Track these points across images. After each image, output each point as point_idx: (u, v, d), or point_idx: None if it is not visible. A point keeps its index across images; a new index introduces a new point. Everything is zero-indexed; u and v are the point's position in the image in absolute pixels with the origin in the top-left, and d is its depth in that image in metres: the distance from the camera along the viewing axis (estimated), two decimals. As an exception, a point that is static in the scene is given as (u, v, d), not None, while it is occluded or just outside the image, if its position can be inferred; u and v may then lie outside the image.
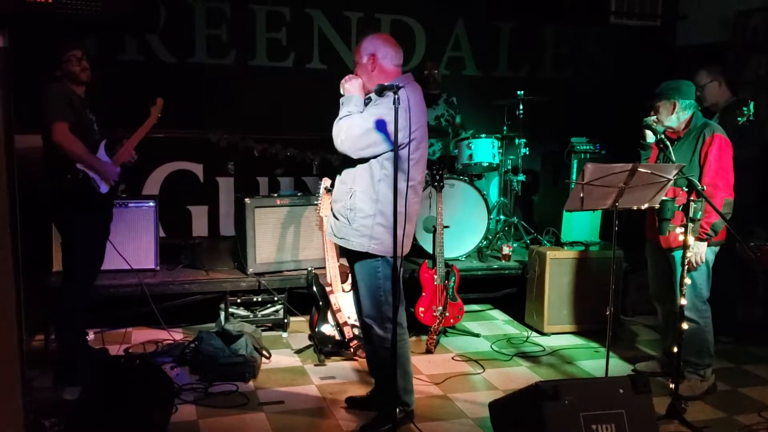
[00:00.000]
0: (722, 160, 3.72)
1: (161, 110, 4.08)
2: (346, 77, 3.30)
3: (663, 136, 3.75)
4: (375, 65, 3.23)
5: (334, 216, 3.33)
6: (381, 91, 2.94)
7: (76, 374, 3.60)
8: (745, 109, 4.13)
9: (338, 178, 3.33)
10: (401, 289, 3.32)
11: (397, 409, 3.32)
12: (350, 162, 3.23)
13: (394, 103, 2.84)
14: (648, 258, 4.16)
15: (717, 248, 3.84)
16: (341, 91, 3.29)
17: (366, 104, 3.26)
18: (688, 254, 3.55)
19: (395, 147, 2.96)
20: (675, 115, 3.81)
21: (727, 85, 4.76)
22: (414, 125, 3.15)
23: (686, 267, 3.51)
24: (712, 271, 3.88)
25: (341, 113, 3.21)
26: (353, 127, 3.12)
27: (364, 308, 3.39)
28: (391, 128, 3.05)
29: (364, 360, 4.27)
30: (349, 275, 4.54)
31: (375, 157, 3.16)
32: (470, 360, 4.45)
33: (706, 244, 3.72)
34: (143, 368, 3.16)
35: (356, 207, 3.20)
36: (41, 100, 3.67)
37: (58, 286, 4.06)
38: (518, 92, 5.67)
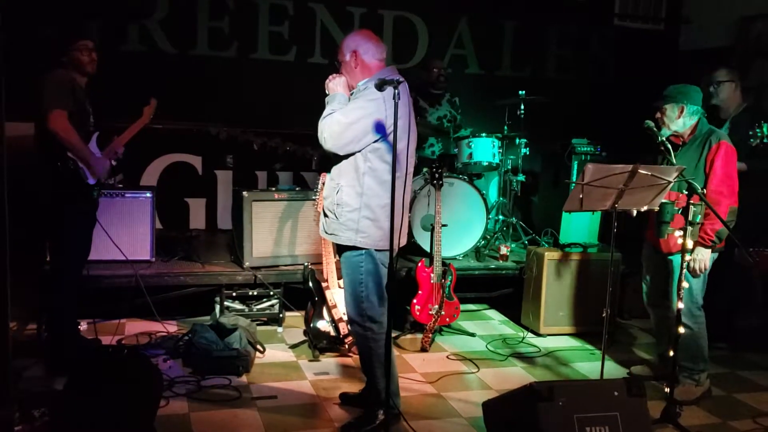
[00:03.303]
0: (728, 168, 3.69)
1: (154, 112, 4.10)
2: (330, 76, 3.32)
3: (664, 139, 3.73)
4: (357, 61, 3.25)
5: (324, 213, 3.34)
6: (381, 86, 2.92)
7: (67, 364, 3.57)
8: (758, 130, 4.06)
9: (328, 176, 3.35)
10: (384, 287, 3.31)
11: (380, 411, 3.32)
12: (338, 158, 3.24)
13: (393, 98, 2.84)
14: (644, 261, 4.14)
15: (716, 255, 3.81)
16: (326, 91, 3.30)
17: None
18: (687, 259, 3.53)
19: (394, 140, 2.94)
20: (681, 120, 3.77)
21: (741, 90, 4.69)
22: (393, 114, 3.06)
23: (685, 271, 3.48)
24: (708, 277, 3.86)
25: (325, 112, 3.22)
26: (333, 123, 3.13)
27: (345, 304, 3.40)
28: (369, 121, 3.09)
29: (359, 357, 4.27)
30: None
31: (360, 151, 3.17)
32: (465, 359, 4.43)
33: (710, 251, 3.70)
34: (130, 358, 3.13)
35: (343, 202, 3.21)
36: (41, 85, 3.63)
37: (48, 275, 4.04)
38: (520, 92, 5.66)
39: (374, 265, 3.26)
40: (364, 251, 3.24)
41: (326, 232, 3.33)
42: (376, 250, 3.25)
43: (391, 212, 2.93)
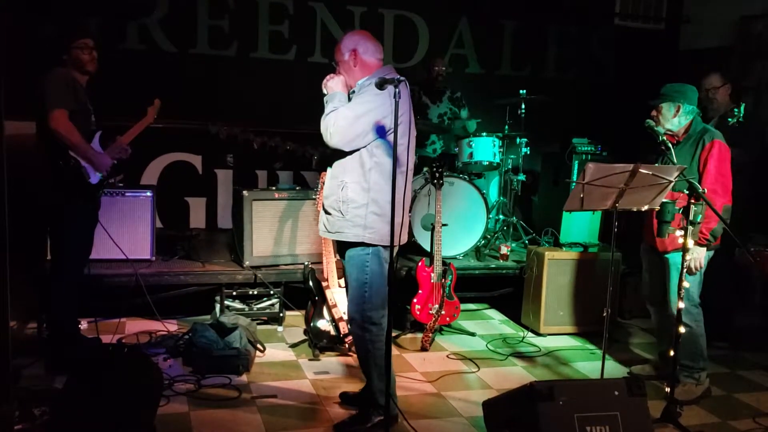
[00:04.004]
0: (721, 167, 3.69)
1: (158, 111, 4.08)
2: (328, 76, 3.32)
3: (665, 138, 3.73)
4: (356, 60, 3.25)
5: (326, 212, 3.31)
6: (382, 84, 2.92)
7: (67, 363, 3.57)
8: (735, 110, 4.11)
9: (329, 173, 3.33)
10: (386, 289, 3.28)
11: (375, 413, 3.31)
12: (340, 155, 3.23)
13: (394, 96, 2.83)
14: (643, 260, 4.14)
15: (711, 253, 3.81)
16: (324, 90, 3.30)
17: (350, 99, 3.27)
18: (687, 258, 3.53)
19: (395, 139, 2.94)
20: (677, 119, 3.78)
21: (732, 92, 4.70)
22: (399, 111, 3.04)
23: (685, 271, 3.49)
24: (707, 275, 3.86)
25: (327, 110, 3.21)
26: (340, 118, 3.12)
27: (348, 303, 3.38)
28: (375, 116, 3.10)
29: (357, 357, 4.27)
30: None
31: (365, 146, 3.16)
32: (465, 359, 4.43)
33: (705, 249, 3.70)
34: (130, 357, 3.12)
35: (348, 198, 3.20)
36: (42, 83, 3.62)
37: (48, 274, 4.03)
38: (520, 91, 5.65)
39: (379, 266, 3.24)
40: (370, 250, 3.23)
41: (329, 231, 3.30)
42: (382, 246, 3.23)
43: (391, 210, 2.91)
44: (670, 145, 3.65)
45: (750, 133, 4.45)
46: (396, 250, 3.24)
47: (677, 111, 3.76)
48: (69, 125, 3.61)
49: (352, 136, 3.13)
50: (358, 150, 3.17)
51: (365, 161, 3.17)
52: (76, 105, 3.68)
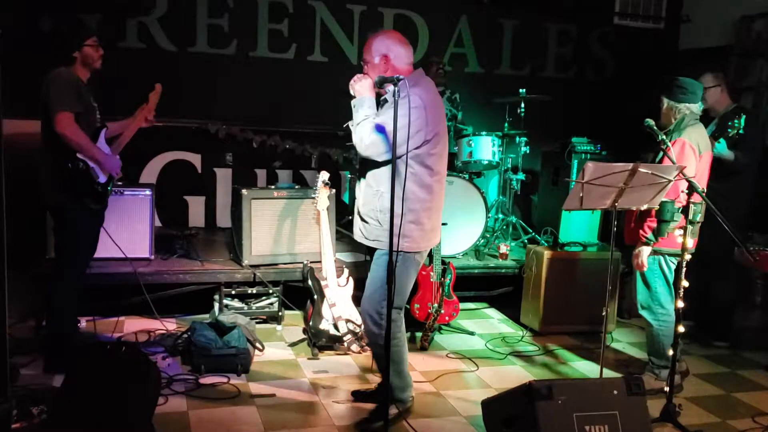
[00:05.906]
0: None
1: (159, 97, 4.03)
2: (356, 77, 3.26)
3: (664, 137, 3.73)
4: (388, 66, 3.20)
5: (363, 219, 3.31)
6: (381, 83, 2.90)
7: (65, 361, 3.56)
8: (735, 122, 4.09)
9: (363, 182, 3.31)
10: (406, 290, 3.32)
11: (392, 407, 3.30)
12: (374, 163, 3.21)
13: (393, 96, 2.81)
14: None
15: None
16: (351, 92, 3.25)
17: (382, 105, 3.25)
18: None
19: (394, 138, 2.92)
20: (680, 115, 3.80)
21: (729, 91, 4.69)
22: (432, 120, 3.14)
23: (683, 270, 3.47)
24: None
25: (358, 118, 3.18)
26: (375, 131, 3.11)
27: (363, 299, 3.37)
28: (411, 129, 3.06)
29: (358, 355, 4.27)
30: (345, 269, 4.55)
31: (399, 157, 3.11)
32: (464, 358, 4.43)
33: (648, 248, 3.71)
34: (128, 356, 3.12)
35: (385, 208, 3.15)
36: (46, 86, 3.58)
37: (50, 273, 4.02)
38: (520, 90, 5.64)
39: (405, 267, 3.24)
40: (401, 253, 3.20)
41: (367, 238, 3.31)
42: (414, 253, 3.27)
43: (390, 214, 2.91)
44: (669, 144, 3.64)
45: (751, 135, 4.43)
46: (426, 253, 3.40)
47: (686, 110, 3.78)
48: (75, 128, 3.57)
49: (386, 148, 3.11)
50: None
51: (401, 171, 3.12)
52: (81, 105, 3.65)
